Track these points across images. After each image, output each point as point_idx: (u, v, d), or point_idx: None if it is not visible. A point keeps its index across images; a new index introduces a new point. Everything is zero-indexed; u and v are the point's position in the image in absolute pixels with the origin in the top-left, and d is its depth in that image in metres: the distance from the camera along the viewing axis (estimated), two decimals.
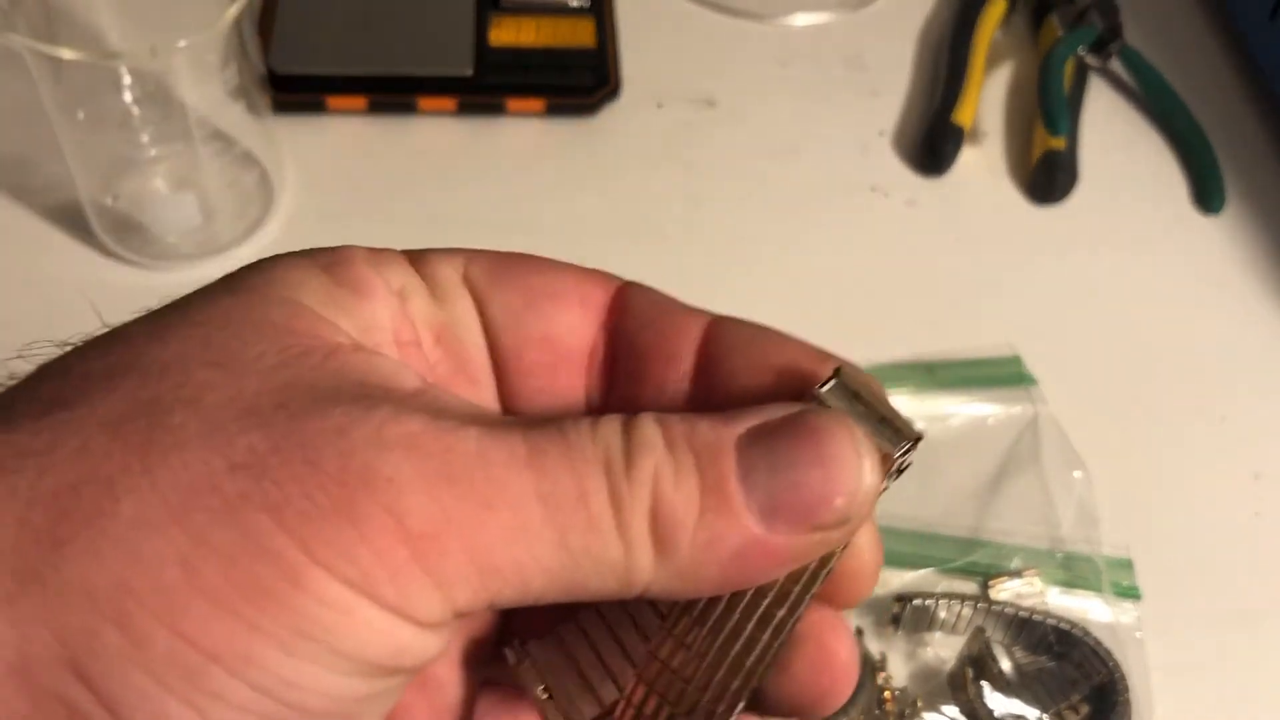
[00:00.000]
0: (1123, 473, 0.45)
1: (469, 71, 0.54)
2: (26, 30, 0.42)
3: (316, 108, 0.54)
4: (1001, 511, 0.43)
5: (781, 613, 0.18)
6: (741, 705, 0.18)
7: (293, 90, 0.53)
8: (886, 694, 0.38)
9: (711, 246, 0.50)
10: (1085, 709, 0.39)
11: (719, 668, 0.18)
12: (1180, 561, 0.43)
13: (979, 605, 0.40)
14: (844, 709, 0.36)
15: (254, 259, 0.19)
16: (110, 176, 0.49)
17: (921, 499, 0.43)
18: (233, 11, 0.42)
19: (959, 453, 0.45)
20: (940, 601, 0.40)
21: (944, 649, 0.40)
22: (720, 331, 0.20)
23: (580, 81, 0.55)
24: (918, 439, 0.18)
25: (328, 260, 0.19)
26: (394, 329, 0.19)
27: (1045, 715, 0.38)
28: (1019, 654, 0.40)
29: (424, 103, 0.54)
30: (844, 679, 0.19)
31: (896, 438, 0.18)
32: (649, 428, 0.17)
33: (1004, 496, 0.44)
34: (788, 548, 0.17)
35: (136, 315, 0.18)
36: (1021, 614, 0.40)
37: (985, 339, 0.47)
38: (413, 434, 0.16)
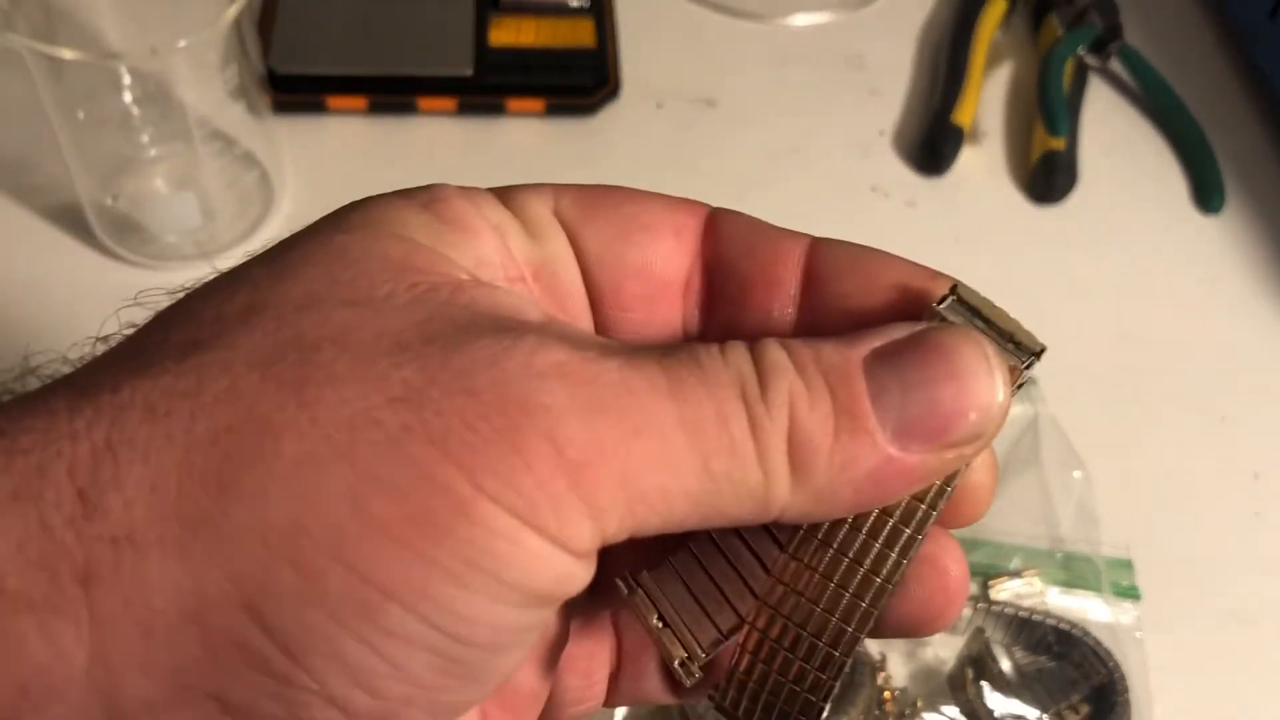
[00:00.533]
0: (1122, 473, 0.45)
1: (469, 72, 0.54)
2: (27, 30, 0.42)
3: (316, 108, 0.54)
4: (1001, 511, 0.43)
5: (908, 531, 0.18)
6: (873, 624, 0.18)
7: (293, 90, 0.53)
8: (886, 694, 0.38)
9: None
10: (1085, 709, 0.39)
11: (848, 588, 0.18)
12: (1180, 561, 0.43)
13: (978, 605, 0.40)
14: (843, 709, 0.36)
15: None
16: (110, 176, 0.49)
17: None
18: (232, 11, 0.42)
19: None
20: None
21: (944, 649, 0.40)
22: (823, 254, 0.20)
23: (580, 82, 0.55)
24: (1041, 350, 0.18)
25: (426, 198, 0.19)
26: (502, 265, 0.19)
27: (1045, 715, 0.38)
28: (1019, 654, 0.40)
29: (424, 103, 0.54)
30: (958, 598, 0.19)
31: (1020, 351, 0.18)
32: (776, 351, 0.17)
33: (1004, 496, 0.43)
34: (921, 466, 0.17)
35: (245, 258, 0.18)
36: (1021, 614, 0.40)
37: None
38: (561, 363, 0.16)
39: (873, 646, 0.39)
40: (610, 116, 0.55)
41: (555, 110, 0.55)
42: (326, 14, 0.56)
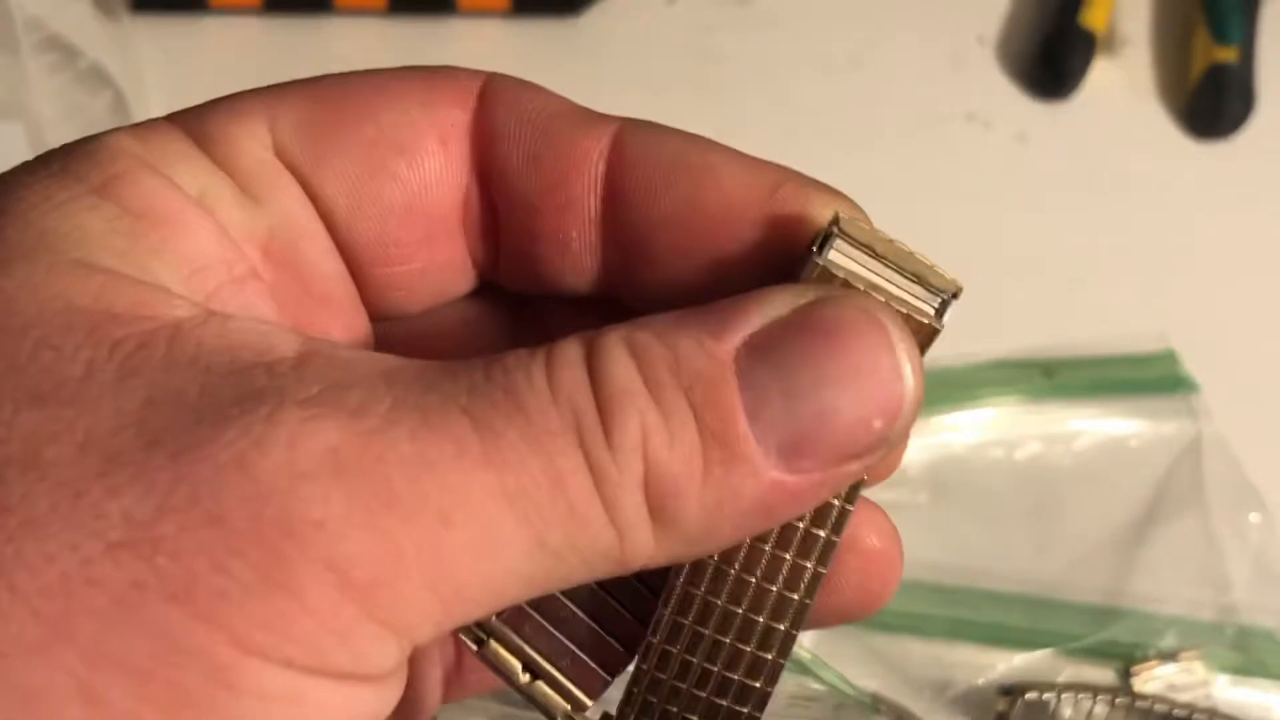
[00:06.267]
0: None
1: None
2: None
3: (192, 5, 0.54)
4: (1149, 569, 0.43)
5: (824, 534, 0.20)
6: (794, 645, 0.20)
7: None
8: None
9: None
10: None
11: (760, 612, 0.20)
12: None
13: (1118, 701, 0.40)
14: None
15: None
16: None
17: (1036, 552, 0.44)
18: None
19: (1088, 487, 0.45)
20: (1063, 696, 0.40)
21: None
22: (629, 159, 0.21)
23: None
24: (957, 292, 0.19)
25: (98, 177, 0.19)
26: (224, 260, 0.19)
27: None
28: None
29: None
30: (893, 576, 0.21)
31: (929, 295, 0.19)
32: (620, 367, 0.18)
33: (1152, 548, 0.44)
34: (818, 486, 0.18)
35: None
36: (1177, 712, 0.39)
37: (1125, 326, 0.47)
38: (333, 449, 0.16)
39: None
40: (600, 16, 0.55)
41: (525, 7, 0.55)
42: None
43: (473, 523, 0.17)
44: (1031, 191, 0.53)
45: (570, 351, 0.18)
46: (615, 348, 0.18)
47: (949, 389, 0.46)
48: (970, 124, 0.54)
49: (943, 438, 0.46)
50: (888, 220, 0.52)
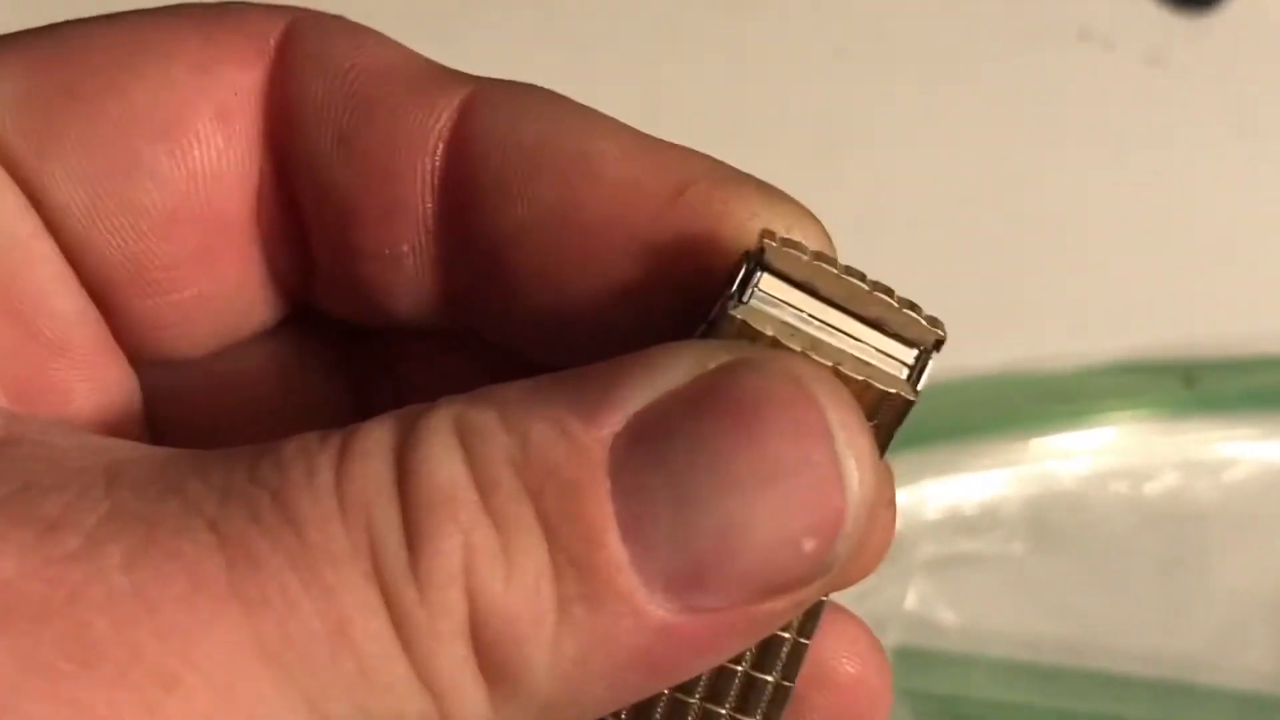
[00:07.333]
0: None
1: None
2: None
3: None
4: None
5: (772, 679, 0.19)
6: None
7: None
8: None
9: (791, 137, 0.49)
10: None
11: None
12: None
13: None
14: None
15: None
16: None
17: (1172, 620, 0.44)
18: None
19: (1242, 533, 0.45)
20: None
21: None
22: (482, 139, 0.20)
23: None
24: (938, 342, 0.19)
25: None
26: None
27: None
28: None
29: None
30: (878, 715, 0.21)
31: (899, 349, 0.18)
32: (442, 461, 0.17)
33: None
34: (728, 631, 0.18)
35: None
36: None
37: None
38: (5, 583, 0.16)
39: None
40: None
41: None
42: None
43: (209, 687, 0.16)
44: (1165, 132, 0.51)
45: (375, 438, 0.17)
46: (439, 433, 0.17)
47: (1054, 402, 0.45)
48: (1085, 43, 0.53)
49: (1045, 466, 0.45)
50: (976, 174, 0.47)
